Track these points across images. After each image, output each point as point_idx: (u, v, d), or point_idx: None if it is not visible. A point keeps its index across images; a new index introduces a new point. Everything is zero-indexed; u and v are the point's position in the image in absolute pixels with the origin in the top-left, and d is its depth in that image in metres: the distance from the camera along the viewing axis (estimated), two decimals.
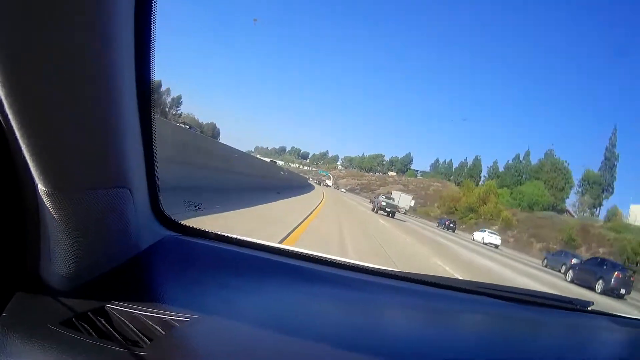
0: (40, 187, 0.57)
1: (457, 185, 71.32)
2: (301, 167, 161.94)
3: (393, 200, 25.80)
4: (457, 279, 1.37)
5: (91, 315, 0.67)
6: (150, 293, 0.79)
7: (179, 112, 62.58)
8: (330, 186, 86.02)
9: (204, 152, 8.67)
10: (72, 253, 0.65)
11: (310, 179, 74.58)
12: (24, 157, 0.54)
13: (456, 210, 46.16)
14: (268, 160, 35.07)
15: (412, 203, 47.34)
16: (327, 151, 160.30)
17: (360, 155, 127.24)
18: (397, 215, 24.40)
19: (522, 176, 52.93)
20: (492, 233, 29.78)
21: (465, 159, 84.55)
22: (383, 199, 23.48)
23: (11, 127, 0.51)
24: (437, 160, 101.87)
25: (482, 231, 30.59)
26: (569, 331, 1.23)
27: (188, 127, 26.06)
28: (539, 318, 1.22)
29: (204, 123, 72.49)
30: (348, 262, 1.12)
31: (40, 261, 0.66)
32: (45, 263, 0.66)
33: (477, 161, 79.42)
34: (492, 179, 58.32)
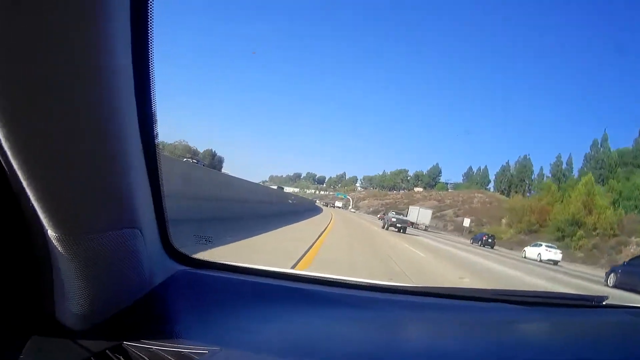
0: (50, 233, 0.59)
1: (503, 195, 54.34)
2: (317, 192, 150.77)
3: (403, 215, 25.26)
4: (471, 289, 1.46)
5: (109, 354, 0.69)
6: (167, 328, 0.80)
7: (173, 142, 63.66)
8: (340, 207, 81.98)
9: (206, 183, 9.26)
10: (86, 294, 0.66)
11: (318, 201, 76.01)
12: (31, 204, 0.55)
13: (541, 227, 30.07)
14: (275, 187, 37.30)
15: (429, 218, 43.54)
16: (344, 173, 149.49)
17: (380, 174, 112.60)
18: (419, 233, 24.58)
19: (609, 168, 35.89)
20: (550, 247, 24.41)
21: (507, 162, 67.36)
22: (393, 215, 23.14)
23: (16, 174, 0.52)
24: (471, 169, 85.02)
25: (535, 245, 24.97)
26: (587, 328, 1.27)
27: (195, 161, 28.74)
28: (557, 318, 1.27)
29: (201, 151, 73.21)
30: (360, 282, 1.17)
31: (55, 303, 0.68)
32: (60, 305, 0.68)
33: (526, 161, 62.08)
34: (557, 178, 41.39)
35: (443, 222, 49.29)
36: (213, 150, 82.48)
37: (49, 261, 0.64)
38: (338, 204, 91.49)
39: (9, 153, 0.50)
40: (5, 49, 0.42)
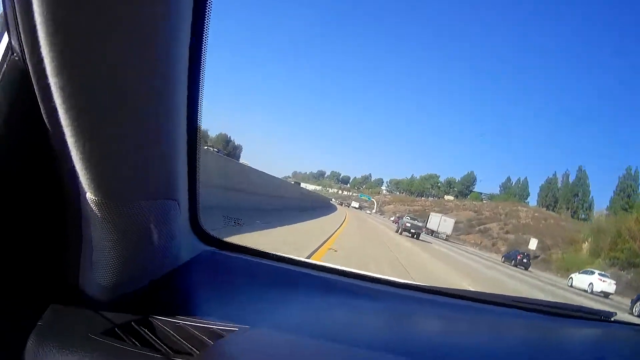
0: (89, 196, 0.58)
1: (551, 210, 46.07)
2: (340, 192, 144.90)
3: (417, 221, 24.70)
4: (485, 293, 1.48)
5: (135, 326, 0.69)
6: (193, 305, 0.84)
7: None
8: (357, 208, 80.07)
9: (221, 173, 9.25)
10: (115, 264, 0.66)
11: (333, 199, 74.67)
12: (72, 166, 0.55)
13: None
14: (292, 182, 37.93)
15: (451, 228, 41.13)
16: (370, 174, 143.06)
17: (408, 178, 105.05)
18: (440, 245, 24.02)
19: None
20: (603, 276, 20.89)
21: (554, 174, 58.24)
22: (408, 220, 23.46)
23: (61, 133, 0.51)
24: (509, 180, 75.82)
25: (586, 273, 21.49)
26: (592, 341, 1.31)
27: (216, 150, 29.73)
28: (563, 329, 1.32)
29: (213, 135, 71.26)
30: (375, 276, 1.24)
31: (80, 272, 0.68)
32: (86, 274, 0.68)
33: (581, 173, 52.87)
34: (626, 195, 33.18)
35: (490, 240, 42.14)
36: (228, 136, 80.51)
37: (79, 228, 0.64)
38: (354, 204, 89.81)
39: (59, 109, 0.50)
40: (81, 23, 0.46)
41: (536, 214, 49.11)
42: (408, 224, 22.67)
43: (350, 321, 0.96)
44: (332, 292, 1.07)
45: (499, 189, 79.91)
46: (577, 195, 52.72)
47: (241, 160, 37.09)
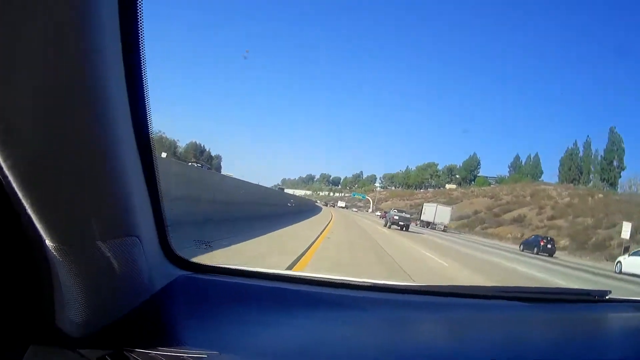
0: (48, 242, 0.60)
1: (577, 184, 34.01)
2: (331, 194, 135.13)
3: (405, 213, 25.37)
4: (472, 286, 1.55)
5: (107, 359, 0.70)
6: (167, 334, 0.82)
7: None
8: (343, 207, 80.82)
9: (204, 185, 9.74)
10: (85, 302, 0.68)
11: (318, 201, 76.61)
12: (29, 215, 0.57)
13: None
14: (276, 188, 39.85)
15: (448, 218, 37.14)
16: (361, 172, 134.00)
17: (403, 171, 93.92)
18: (435, 236, 23.94)
19: None
20: None
21: (575, 144, 55.92)
22: (395, 213, 24.00)
23: (11, 185, 0.53)
24: (518, 159, 65.16)
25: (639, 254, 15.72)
26: (590, 322, 1.32)
27: (200, 165, 30.09)
28: (559, 314, 1.32)
29: (182, 145, 69.13)
30: (361, 283, 1.19)
31: (55, 311, 0.70)
32: (60, 313, 0.70)
33: (614, 135, 41.62)
34: None
35: (531, 230, 31.18)
36: (202, 145, 79.11)
37: (48, 270, 0.66)
38: (340, 203, 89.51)
39: (3, 165, 0.50)
40: None
41: (572, 192, 37.88)
42: (396, 217, 23.25)
43: (335, 336, 0.94)
44: (316, 305, 1.05)
45: (508, 169, 68.59)
46: (612, 163, 41.57)
47: (225, 172, 38.61)
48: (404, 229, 22.40)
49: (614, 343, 1.09)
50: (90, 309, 0.69)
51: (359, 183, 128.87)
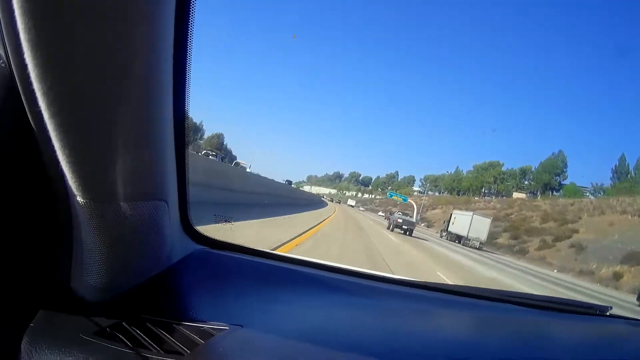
0: (78, 198, 0.62)
1: None
2: (359, 194, 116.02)
3: (409, 216, 26.18)
4: (476, 287, 1.53)
5: (126, 326, 0.72)
6: (184, 304, 0.87)
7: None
8: (352, 206, 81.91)
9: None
10: (106, 265, 0.70)
11: (324, 196, 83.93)
12: (61, 169, 0.59)
13: None
14: (284, 182, 41.49)
15: (486, 232, 29.82)
16: (397, 172, 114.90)
17: (451, 172, 71.23)
18: (479, 260, 18.54)
19: None
20: None
21: None
22: (399, 216, 24.55)
23: (48, 138, 0.56)
24: (623, 160, 41.05)
25: None
26: (588, 336, 1.37)
27: (214, 154, 29.67)
28: (559, 323, 1.38)
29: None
30: (370, 273, 1.30)
31: (72, 273, 0.72)
32: (77, 275, 0.71)
33: None
34: None
35: None
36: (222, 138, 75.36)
37: (70, 230, 0.68)
38: (350, 202, 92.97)
39: (45, 113, 0.53)
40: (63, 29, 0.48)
41: None
42: (400, 220, 23.26)
43: (344, 319, 1.00)
44: (326, 289, 1.13)
45: (611, 174, 45.26)
46: None
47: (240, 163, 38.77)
48: (407, 233, 22.70)
49: (610, 356, 1.15)
50: (109, 273, 0.70)
51: (394, 185, 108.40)
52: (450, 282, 8.39)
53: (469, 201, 63.63)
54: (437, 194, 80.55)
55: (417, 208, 60.86)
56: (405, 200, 55.58)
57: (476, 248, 28.66)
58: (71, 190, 0.61)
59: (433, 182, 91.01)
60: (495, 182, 67.53)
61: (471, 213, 32.12)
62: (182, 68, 0.70)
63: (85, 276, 0.69)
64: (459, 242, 30.69)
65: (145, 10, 0.53)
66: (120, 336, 0.68)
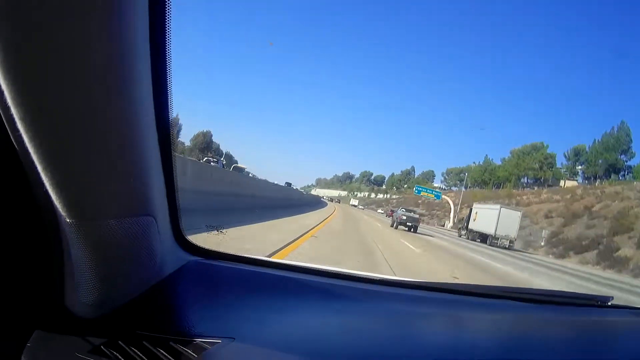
0: (64, 219, 0.64)
1: None
2: (372, 195, 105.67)
3: (413, 213, 23.61)
4: (477, 285, 1.56)
5: (121, 343, 0.75)
6: (178, 318, 0.90)
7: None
8: (356, 206, 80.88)
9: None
10: (97, 282, 0.72)
11: (324, 197, 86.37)
12: (46, 190, 0.61)
13: None
14: (284, 184, 43.93)
15: (517, 228, 25.01)
16: (413, 168, 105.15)
17: (479, 163, 58.35)
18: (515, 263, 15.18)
19: None
20: None
21: None
22: (403, 212, 23.12)
23: (32, 160, 0.58)
24: None
25: None
26: (590, 327, 1.39)
27: (215, 160, 30.72)
28: (562, 317, 1.42)
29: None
30: (368, 276, 1.33)
31: (65, 292, 0.73)
32: (70, 293, 0.73)
33: None
34: None
35: None
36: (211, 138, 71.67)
37: (61, 248, 0.68)
38: (353, 202, 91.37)
39: (24, 137, 0.55)
40: (30, 43, 0.48)
41: None
42: (404, 217, 22.49)
43: (339, 325, 1.01)
44: (321, 295, 1.15)
45: None
46: None
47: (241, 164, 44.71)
48: (412, 229, 22.53)
49: (614, 347, 1.20)
50: (102, 290, 0.72)
51: (410, 182, 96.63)
52: None
53: (511, 194, 52.51)
54: (463, 189, 69.01)
55: (452, 206, 48.84)
56: (438, 196, 43.75)
57: (505, 248, 24.70)
58: (58, 209, 0.62)
59: (457, 175, 79.94)
60: (541, 169, 55.84)
61: (498, 206, 28.05)
62: (162, 71, 0.68)
63: (78, 294, 0.71)
64: (484, 242, 26.15)
65: (115, 6, 0.53)
66: (116, 353, 0.70)
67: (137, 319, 0.77)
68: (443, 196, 47.37)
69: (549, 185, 56.68)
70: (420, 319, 1.14)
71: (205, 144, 70.72)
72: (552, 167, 57.49)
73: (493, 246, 24.26)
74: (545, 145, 59.63)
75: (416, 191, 48.98)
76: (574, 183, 53.49)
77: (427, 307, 1.20)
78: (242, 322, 0.87)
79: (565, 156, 56.64)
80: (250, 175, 29.44)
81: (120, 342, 0.71)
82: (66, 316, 0.71)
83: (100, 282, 0.69)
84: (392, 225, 23.48)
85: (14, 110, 0.51)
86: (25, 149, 0.55)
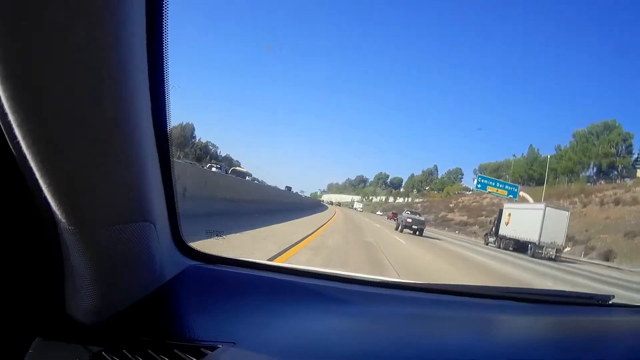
0: (63, 226, 0.68)
1: None
2: (390, 199, 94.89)
3: (418, 215, 24.09)
4: (476, 286, 1.68)
5: (124, 351, 0.78)
6: (178, 323, 0.95)
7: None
8: (359, 210, 79.17)
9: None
10: (97, 288, 0.76)
11: (324, 200, 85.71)
12: (45, 197, 0.64)
13: None
14: (284, 188, 46.20)
15: (564, 232, 19.19)
16: (435, 167, 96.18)
17: (519, 156, 46.59)
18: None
19: None
20: None
21: None
22: (408, 215, 23.76)
23: (30, 167, 0.60)
24: None
25: None
26: (593, 326, 1.45)
27: (218, 166, 30.66)
28: (562, 316, 1.48)
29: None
30: (370, 278, 1.39)
31: (65, 298, 0.78)
32: (71, 300, 0.78)
33: None
34: None
35: None
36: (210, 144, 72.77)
37: (61, 255, 0.73)
38: (357, 206, 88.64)
39: (22, 144, 0.57)
40: (25, 45, 0.49)
41: None
42: (409, 220, 22.79)
43: (340, 329, 1.05)
44: (322, 298, 1.18)
45: None
46: None
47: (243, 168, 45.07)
48: (418, 233, 23.20)
49: (615, 346, 1.21)
50: (102, 296, 0.75)
51: (433, 183, 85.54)
52: None
53: (584, 190, 40.07)
54: (497, 184, 57.56)
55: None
56: (514, 193, 29.65)
57: (551, 259, 19.44)
58: (57, 216, 0.66)
59: (495, 172, 69.04)
60: (619, 154, 43.84)
61: (542, 205, 22.45)
62: (160, 79, 0.71)
63: (78, 300, 0.75)
64: (521, 251, 21.19)
65: (112, 30, 0.53)
66: (116, 359, 0.75)
67: (137, 325, 0.79)
68: (521, 193, 31.22)
69: (622, 177, 44.79)
70: (422, 321, 1.17)
71: (182, 138, 62.07)
72: (631, 152, 44.51)
73: (536, 257, 18.48)
74: (617, 123, 45.52)
75: (479, 185, 32.64)
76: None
77: (428, 309, 1.24)
78: (242, 326, 0.89)
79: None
80: (247, 178, 29.11)
81: (121, 349, 0.72)
82: (67, 323, 0.72)
83: (101, 288, 0.71)
84: (396, 229, 23.41)
85: (11, 117, 0.53)
86: (23, 156, 0.56)
